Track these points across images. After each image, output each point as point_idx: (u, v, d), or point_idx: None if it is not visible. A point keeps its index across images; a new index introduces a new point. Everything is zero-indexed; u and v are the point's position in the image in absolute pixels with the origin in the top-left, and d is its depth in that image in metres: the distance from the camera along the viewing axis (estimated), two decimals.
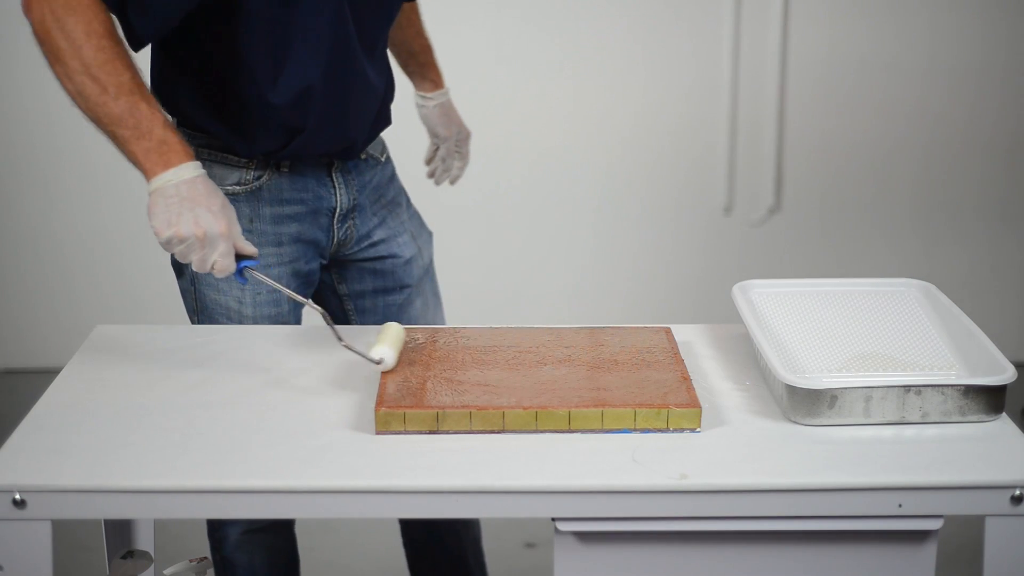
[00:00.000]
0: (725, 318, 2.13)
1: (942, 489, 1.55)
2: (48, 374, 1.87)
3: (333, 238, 2.12)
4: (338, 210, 2.10)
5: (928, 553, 1.59)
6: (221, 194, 1.79)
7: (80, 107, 1.80)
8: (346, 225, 2.12)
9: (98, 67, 1.76)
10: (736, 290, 1.95)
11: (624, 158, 3.84)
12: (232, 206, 1.80)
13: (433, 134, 2.45)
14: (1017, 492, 1.55)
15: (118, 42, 1.79)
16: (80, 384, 1.80)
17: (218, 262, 1.77)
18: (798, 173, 3.86)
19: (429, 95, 2.42)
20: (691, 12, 3.73)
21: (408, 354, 1.82)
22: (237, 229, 1.79)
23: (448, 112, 2.43)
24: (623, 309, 3.92)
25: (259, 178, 2.01)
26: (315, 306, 1.84)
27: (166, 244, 1.76)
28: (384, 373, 1.75)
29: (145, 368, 1.85)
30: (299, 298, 1.84)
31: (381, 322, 2.18)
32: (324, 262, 2.14)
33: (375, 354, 1.77)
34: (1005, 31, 3.77)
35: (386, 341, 1.79)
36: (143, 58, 2.03)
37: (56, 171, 3.77)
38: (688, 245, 3.92)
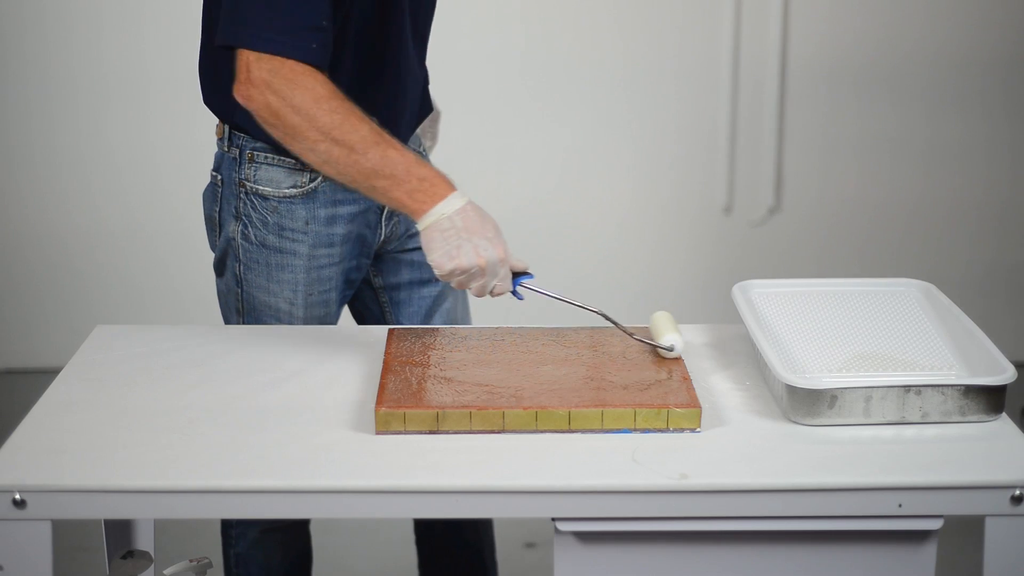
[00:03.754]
0: (725, 318, 2.13)
1: (942, 489, 1.55)
2: (48, 374, 1.87)
3: (380, 235, 2.11)
4: (386, 207, 2.09)
5: (928, 553, 1.59)
6: (491, 217, 1.80)
7: (330, 173, 1.80)
8: (392, 222, 2.11)
9: (337, 130, 1.76)
10: (736, 290, 1.95)
11: (624, 158, 3.83)
12: (500, 226, 1.81)
13: None
14: (1017, 492, 1.55)
15: (344, 97, 1.79)
16: (80, 384, 1.80)
17: (497, 286, 1.79)
18: (798, 173, 3.85)
19: None
20: (691, 11, 3.73)
21: (408, 354, 1.82)
22: (510, 250, 1.80)
23: None
24: (623, 309, 3.91)
25: (314, 180, 2.00)
26: (595, 308, 1.83)
27: (447, 276, 1.77)
28: (384, 373, 1.75)
29: (145, 368, 1.85)
30: (581, 304, 1.83)
31: (416, 315, 2.17)
32: (368, 261, 2.13)
33: (665, 342, 1.81)
34: (1009, 26, 3.76)
35: (669, 328, 1.83)
36: (192, 63, 2.02)
37: (56, 171, 3.76)
38: (688, 245, 3.91)
